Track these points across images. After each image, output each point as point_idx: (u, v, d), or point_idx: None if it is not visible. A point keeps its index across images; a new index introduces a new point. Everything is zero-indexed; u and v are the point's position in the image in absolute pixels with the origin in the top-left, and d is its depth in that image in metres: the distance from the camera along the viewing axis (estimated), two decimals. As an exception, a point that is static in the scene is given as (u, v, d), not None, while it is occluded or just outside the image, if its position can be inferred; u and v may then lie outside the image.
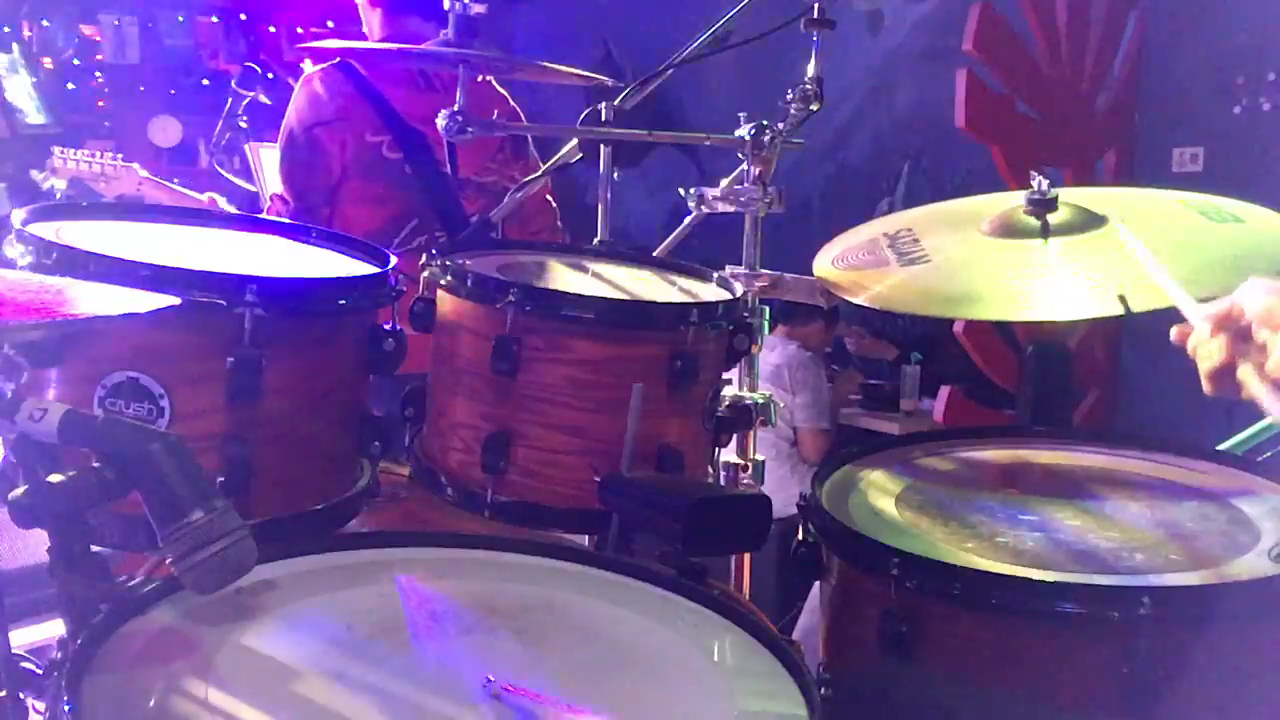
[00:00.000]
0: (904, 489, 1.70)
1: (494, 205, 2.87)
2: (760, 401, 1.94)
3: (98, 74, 7.00)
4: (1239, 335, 1.17)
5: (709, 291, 1.92)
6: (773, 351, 4.55)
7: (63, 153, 3.59)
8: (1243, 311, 1.17)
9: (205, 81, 7.12)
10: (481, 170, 2.97)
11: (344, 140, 2.83)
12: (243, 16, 7.23)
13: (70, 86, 6.92)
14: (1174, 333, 1.24)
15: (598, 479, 1.62)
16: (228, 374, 1.46)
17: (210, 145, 5.19)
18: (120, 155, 3.62)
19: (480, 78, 2.76)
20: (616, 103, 2.15)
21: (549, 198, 3.11)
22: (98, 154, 3.59)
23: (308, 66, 2.99)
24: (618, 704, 1.16)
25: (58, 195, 3.60)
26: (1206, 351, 1.19)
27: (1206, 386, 1.19)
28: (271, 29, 7.18)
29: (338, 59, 2.92)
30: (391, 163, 2.86)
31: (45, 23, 6.86)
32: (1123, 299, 1.50)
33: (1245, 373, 1.16)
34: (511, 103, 3.03)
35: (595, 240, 2.19)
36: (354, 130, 2.84)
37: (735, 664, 1.30)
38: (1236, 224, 1.74)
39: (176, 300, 1.23)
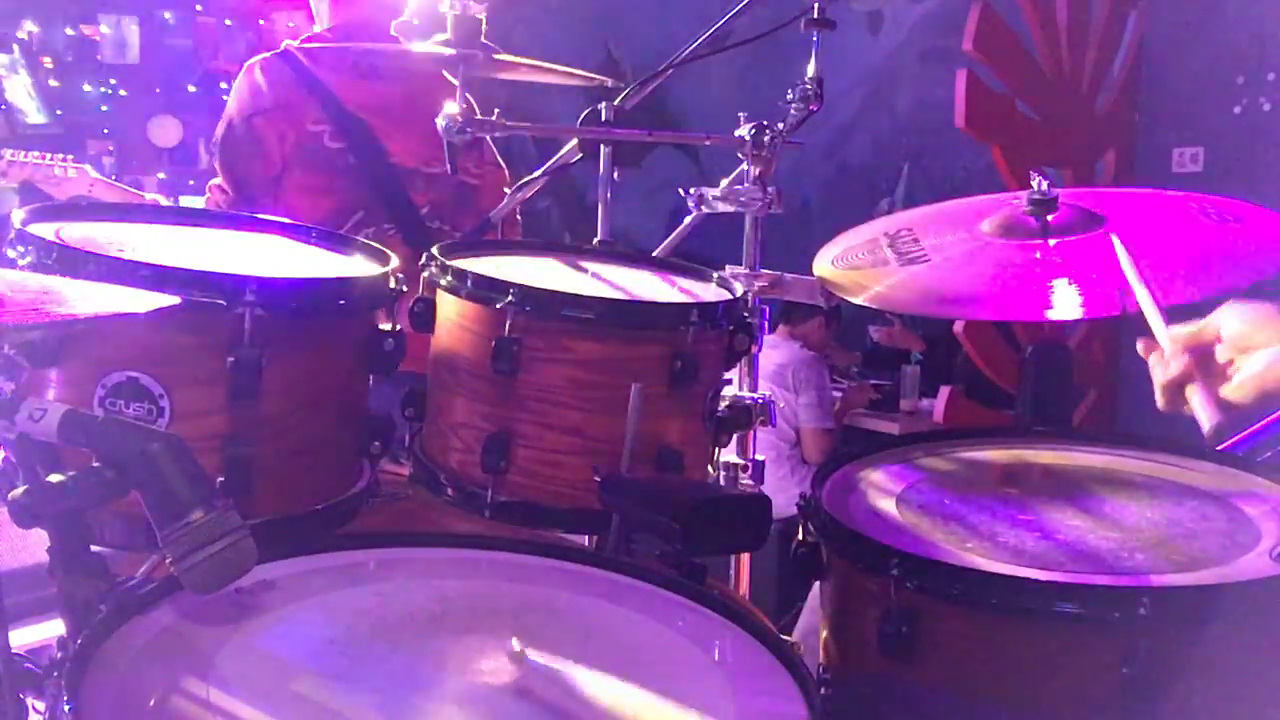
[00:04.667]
0: (904, 489, 1.70)
1: (443, 196, 2.83)
2: (760, 401, 1.94)
3: (97, 74, 6.99)
4: (1202, 356, 1.25)
5: (709, 291, 1.92)
6: (775, 350, 4.56)
7: (12, 155, 3.49)
8: (1216, 334, 1.25)
9: (205, 82, 7.11)
10: (430, 160, 2.87)
11: (283, 130, 2.79)
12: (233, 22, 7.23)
13: (70, 86, 6.92)
14: (1140, 346, 1.32)
15: (598, 479, 1.62)
16: (228, 374, 1.46)
17: (210, 145, 5.18)
18: (70, 157, 3.53)
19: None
20: (616, 103, 2.15)
21: (506, 189, 3.05)
22: (47, 156, 3.49)
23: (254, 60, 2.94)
24: (618, 704, 1.16)
25: None
26: (1166, 367, 1.26)
27: (1160, 399, 1.27)
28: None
29: (282, 48, 2.88)
30: (333, 152, 2.81)
31: (45, 23, 6.85)
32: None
33: (1193, 390, 1.24)
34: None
35: (595, 240, 2.19)
36: (293, 119, 2.80)
37: (735, 664, 1.30)
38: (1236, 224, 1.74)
39: (176, 299, 1.23)
